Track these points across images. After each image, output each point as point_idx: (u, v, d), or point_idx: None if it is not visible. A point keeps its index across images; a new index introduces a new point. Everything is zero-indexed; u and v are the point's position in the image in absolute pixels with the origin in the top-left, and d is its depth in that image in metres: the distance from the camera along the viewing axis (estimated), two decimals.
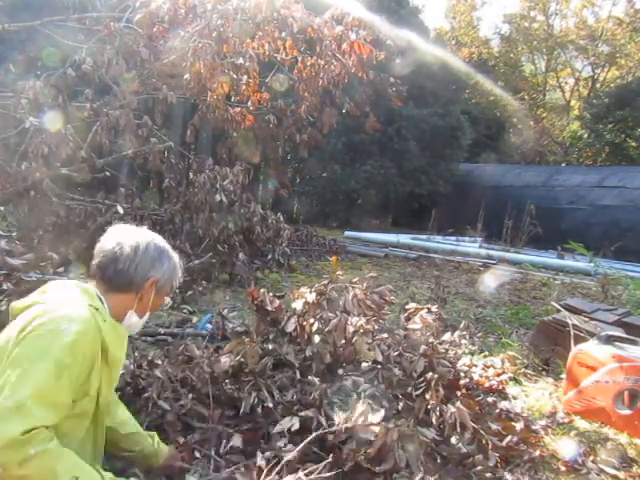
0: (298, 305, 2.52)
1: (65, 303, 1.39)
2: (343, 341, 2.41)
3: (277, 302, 2.51)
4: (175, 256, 1.65)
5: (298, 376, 2.31)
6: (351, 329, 2.44)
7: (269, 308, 2.46)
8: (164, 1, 4.62)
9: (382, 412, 1.97)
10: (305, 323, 2.43)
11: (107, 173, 5.43)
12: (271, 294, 2.56)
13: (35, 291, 1.52)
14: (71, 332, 1.30)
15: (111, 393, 1.60)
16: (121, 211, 5.00)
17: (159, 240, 1.62)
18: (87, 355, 1.35)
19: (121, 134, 5.29)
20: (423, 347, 2.53)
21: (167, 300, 1.71)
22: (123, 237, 1.55)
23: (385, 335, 2.65)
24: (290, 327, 2.37)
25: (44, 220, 4.79)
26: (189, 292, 4.89)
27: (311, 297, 2.50)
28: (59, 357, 1.27)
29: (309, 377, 2.28)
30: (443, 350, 2.68)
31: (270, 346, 2.37)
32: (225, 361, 2.30)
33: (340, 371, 2.39)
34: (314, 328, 2.39)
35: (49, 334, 1.29)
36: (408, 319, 2.85)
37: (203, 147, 11.26)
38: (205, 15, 4.84)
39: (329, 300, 2.50)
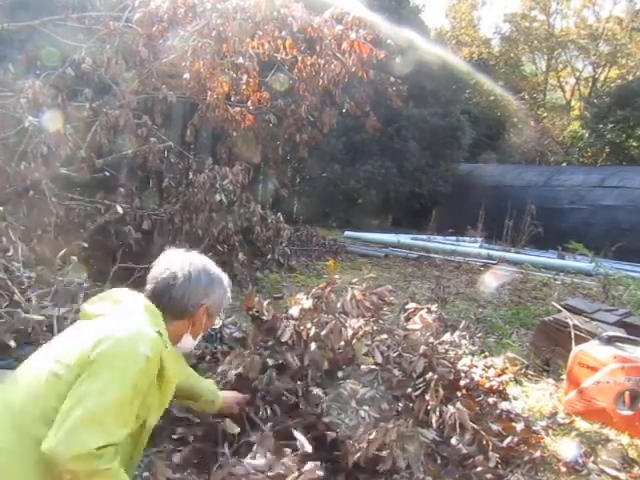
0: (295, 312, 2.51)
1: (137, 324, 1.44)
2: (342, 343, 2.40)
3: (272, 311, 2.50)
4: (225, 279, 1.72)
5: (300, 391, 2.29)
6: (350, 332, 2.43)
7: (264, 318, 2.45)
8: (163, 0, 4.60)
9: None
10: (302, 328, 2.41)
11: (106, 173, 5.42)
12: (266, 302, 2.54)
13: (105, 298, 1.60)
14: (145, 357, 1.36)
15: (157, 418, 1.61)
16: (120, 211, 4.98)
17: (210, 266, 1.69)
18: (152, 379, 1.43)
19: (120, 134, 5.27)
20: (423, 347, 2.51)
21: (217, 321, 1.84)
22: (176, 264, 1.62)
23: (384, 336, 2.63)
24: (286, 336, 2.36)
25: (43, 220, 4.77)
26: None
27: (308, 303, 2.48)
28: (136, 381, 1.35)
29: (309, 388, 2.26)
30: (443, 350, 2.66)
31: (269, 361, 2.34)
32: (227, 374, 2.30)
33: (340, 373, 2.37)
34: (311, 333, 2.37)
35: (127, 355, 1.36)
36: (408, 319, 2.83)
37: (203, 147, 11.25)
38: (204, 14, 4.83)
39: (327, 303, 2.49)
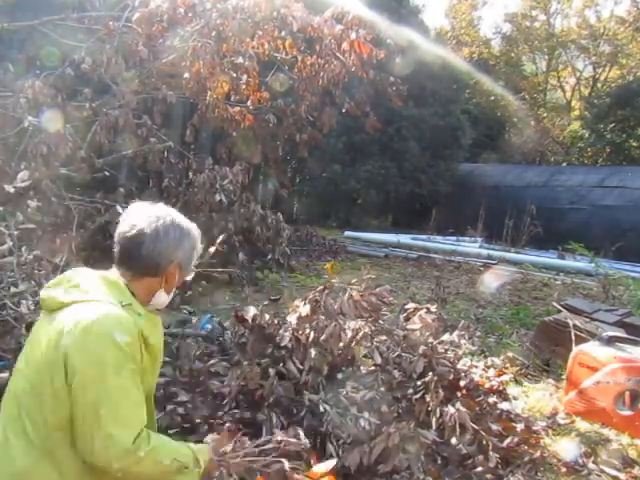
0: (292, 319, 2.50)
1: (106, 309, 1.40)
2: (341, 344, 2.40)
3: (267, 317, 2.50)
4: (194, 229, 1.62)
5: (306, 401, 2.29)
6: (349, 334, 2.42)
7: (263, 324, 2.45)
8: (163, 0, 4.60)
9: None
10: (301, 333, 2.41)
11: (106, 173, 5.42)
12: (263, 304, 2.55)
13: (59, 282, 1.52)
14: (124, 342, 1.37)
15: (155, 380, 1.64)
16: (120, 211, 4.98)
17: (178, 218, 1.58)
18: (137, 359, 1.43)
19: (120, 134, 5.27)
20: (422, 347, 2.51)
21: (191, 274, 1.70)
22: (142, 220, 1.52)
23: (384, 337, 2.63)
24: (285, 341, 2.36)
25: (43, 220, 4.77)
26: (189, 292, 4.87)
27: (305, 310, 2.48)
28: (127, 367, 1.37)
29: (311, 395, 2.26)
30: (442, 350, 2.66)
31: (270, 370, 2.34)
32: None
33: (339, 375, 2.37)
34: (310, 338, 2.37)
35: (107, 347, 1.35)
36: (407, 319, 2.83)
37: (203, 147, 11.24)
38: (204, 14, 4.82)
39: (325, 307, 2.48)
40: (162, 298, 1.60)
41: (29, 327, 2.66)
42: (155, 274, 1.54)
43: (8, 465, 1.36)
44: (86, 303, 1.41)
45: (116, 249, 1.55)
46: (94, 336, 1.34)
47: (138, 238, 1.50)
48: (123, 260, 1.53)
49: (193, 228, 1.62)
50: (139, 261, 1.51)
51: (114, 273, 1.55)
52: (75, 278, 1.52)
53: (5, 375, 2.23)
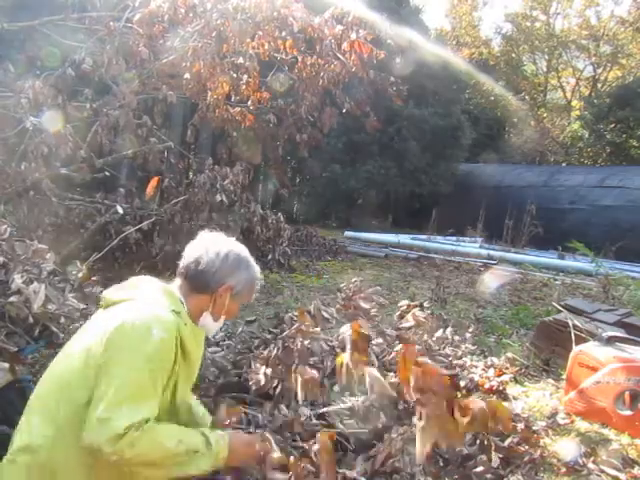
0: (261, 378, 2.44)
1: (152, 308, 1.51)
2: (329, 363, 2.38)
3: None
4: (256, 269, 1.74)
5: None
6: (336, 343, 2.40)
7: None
8: (164, 0, 4.60)
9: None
10: (277, 382, 2.38)
11: (107, 173, 5.42)
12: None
13: (122, 286, 1.66)
14: (159, 338, 1.44)
15: (189, 391, 1.67)
16: (120, 211, 4.99)
17: (243, 251, 1.71)
18: (169, 359, 1.48)
19: (121, 134, 5.28)
20: (417, 347, 2.51)
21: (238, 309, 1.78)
22: (210, 243, 1.67)
23: (380, 340, 2.63)
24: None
25: (43, 220, 4.77)
26: None
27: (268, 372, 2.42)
28: (151, 362, 1.42)
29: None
30: (437, 348, 2.66)
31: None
32: None
33: (336, 387, 2.35)
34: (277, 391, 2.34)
35: (139, 339, 1.43)
36: (401, 317, 2.82)
37: (203, 147, 11.25)
38: (205, 14, 4.83)
39: (299, 353, 2.41)
40: (208, 321, 1.68)
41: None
42: (205, 291, 1.64)
43: (22, 439, 1.42)
44: (135, 301, 1.54)
45: (181, 263, 1.68)
46: (134, 326, 1.44)
47: (201, 255, 1.64)
48: (182, 271, 1.66)
49: (256, 267, 1.74)
50: (195, 276, 1.63)
51: (174, 284, 1.67)
52: (136, 283, 1.66)
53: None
